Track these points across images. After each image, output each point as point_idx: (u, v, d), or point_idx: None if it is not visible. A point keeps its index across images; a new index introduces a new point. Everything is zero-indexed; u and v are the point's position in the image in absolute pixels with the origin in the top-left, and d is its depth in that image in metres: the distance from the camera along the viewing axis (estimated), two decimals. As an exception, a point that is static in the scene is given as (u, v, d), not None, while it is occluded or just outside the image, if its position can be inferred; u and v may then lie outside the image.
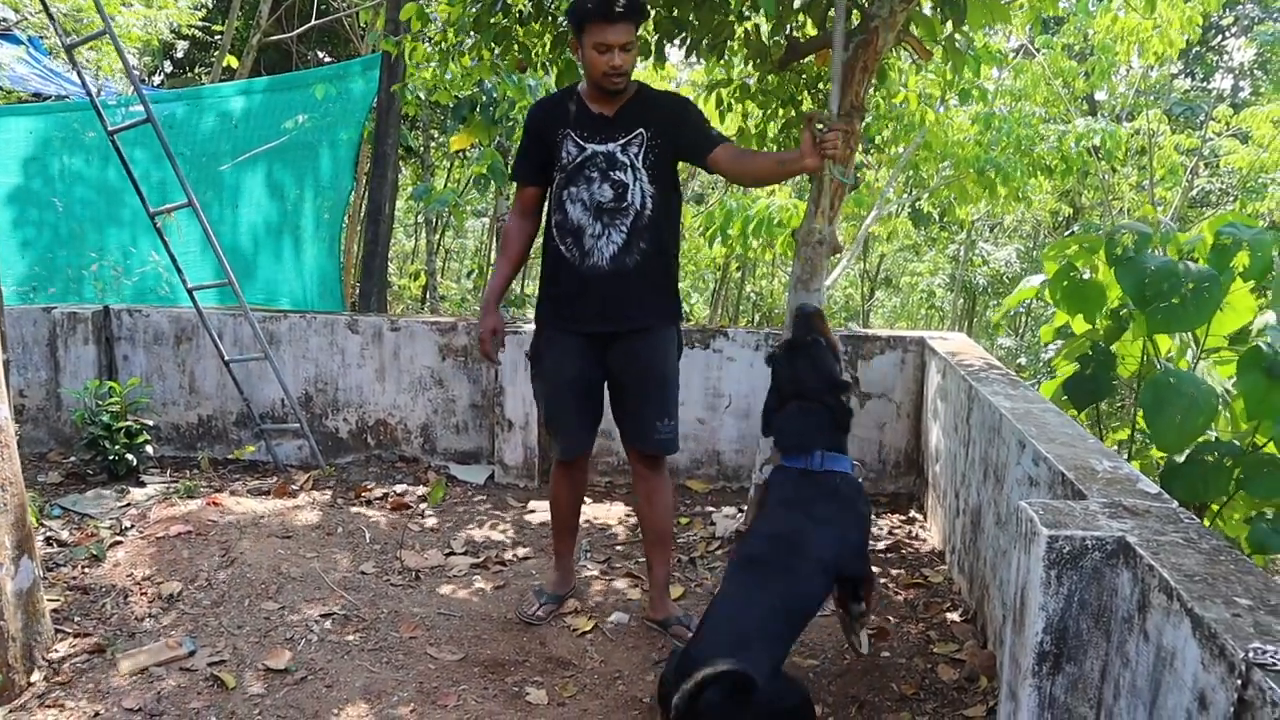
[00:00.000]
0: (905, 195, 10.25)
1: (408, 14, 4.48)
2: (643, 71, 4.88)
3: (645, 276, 3.04)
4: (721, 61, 4.35)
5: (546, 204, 3.13)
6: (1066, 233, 14.34)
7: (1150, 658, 1.82)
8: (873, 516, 4.41)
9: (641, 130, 2.97)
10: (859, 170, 4.02)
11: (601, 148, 2.97)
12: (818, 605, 2.54)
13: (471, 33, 4.21)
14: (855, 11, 3.81)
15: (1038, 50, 9.69)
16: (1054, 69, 9.51)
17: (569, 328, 3.09)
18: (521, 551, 3.93)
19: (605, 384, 3.19)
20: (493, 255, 10.87)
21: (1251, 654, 1.47)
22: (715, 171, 3.06)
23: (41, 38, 10.32)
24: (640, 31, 3.51)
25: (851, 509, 2.64)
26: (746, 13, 3.92)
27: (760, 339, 4.69)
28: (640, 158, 2.98)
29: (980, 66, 6.50)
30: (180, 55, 13.54)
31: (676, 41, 4.01)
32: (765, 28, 4.15)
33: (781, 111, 4.44)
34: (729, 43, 4.09)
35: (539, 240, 3.23)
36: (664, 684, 2.34)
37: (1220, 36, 15.87)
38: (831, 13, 3.87)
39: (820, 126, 2.77)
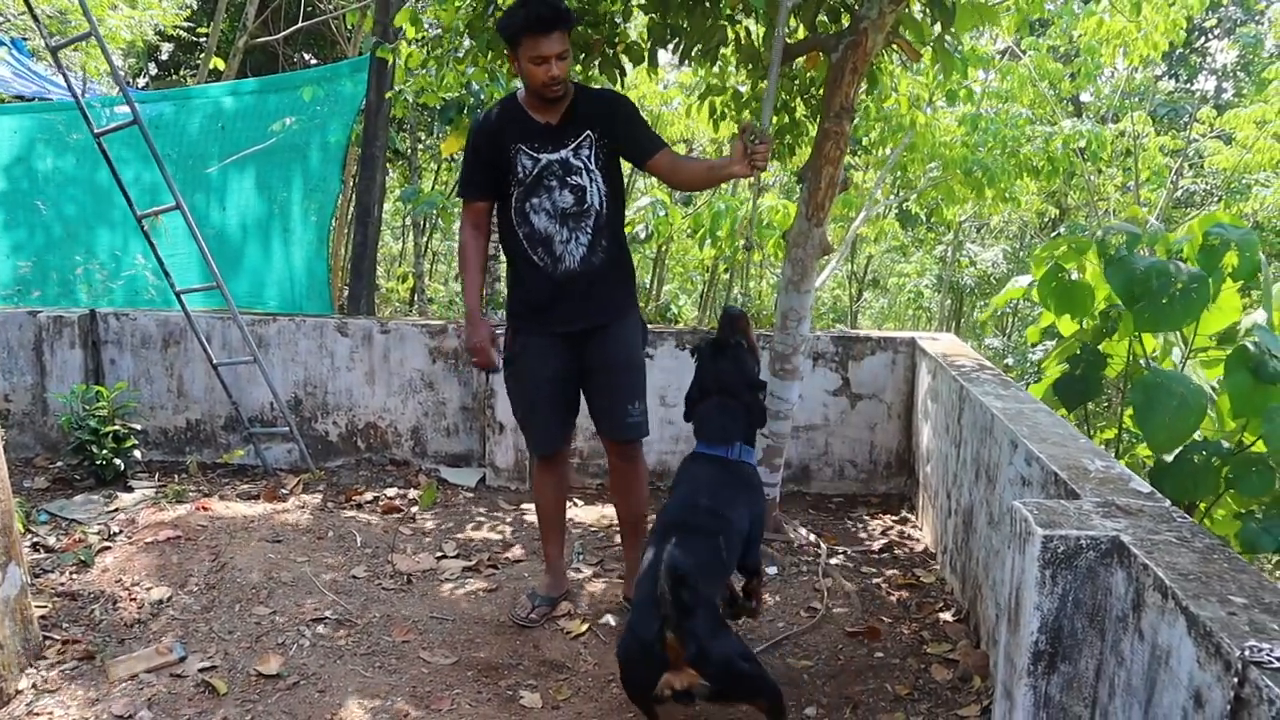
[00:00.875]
0: (892, 196, 10.28)
1: (402, 19, 4.47)
2: (633, 75, 4.88)
3: (611, 272, 3.17)
4: (713, 69, 4.36)
5: (502, 215, 3.18)
6: (1053, 234, 14.41)
7: (1145, 656, 1.83)
8: (865, 519, 4.45)
9: (588, 131, 3.06)
10: (847, 172, 4.03)
11: (555, 155, 3.05)
12: (730, 568, 2.75)
13: (466, 37, 4.20)
14: (845, 14, 3.83)
15: (1023, 52, 9.74)
16: (1040, 71, 9.56)
17: (546, 330, 3.17)
18: (514, 554, 3.92)
19: (579, 379, 3.26)
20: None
21: (1248, 652, 1.48)
22: (652, 174, 3.17)
23: (24, 39, 10.26)
24: (634, 36, 3.50)
25: (757, 496, 2.90)
26: (737, 16, 3.93)
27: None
28: (591, 159, 3.07)
29: (967, 69, 6.53)
30: (165, 57, 13.47)
31: (669, 47, 4.01)
32: (756, 31, 4.15)
33: (775, 119, 4.45)
34: (721, 48, 4.09)
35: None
36: (626, 660, 2.46)
37: (1203, 38, 15.99)
38: (822, 16, 3.89)
39: (752, 139, 2.83)
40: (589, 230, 3.09)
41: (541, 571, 3.56)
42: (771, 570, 3.76)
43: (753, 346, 3.06)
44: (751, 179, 3.15)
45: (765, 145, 2.84)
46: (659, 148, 3.10)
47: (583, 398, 3.31)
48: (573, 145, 3.05)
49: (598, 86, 3.50)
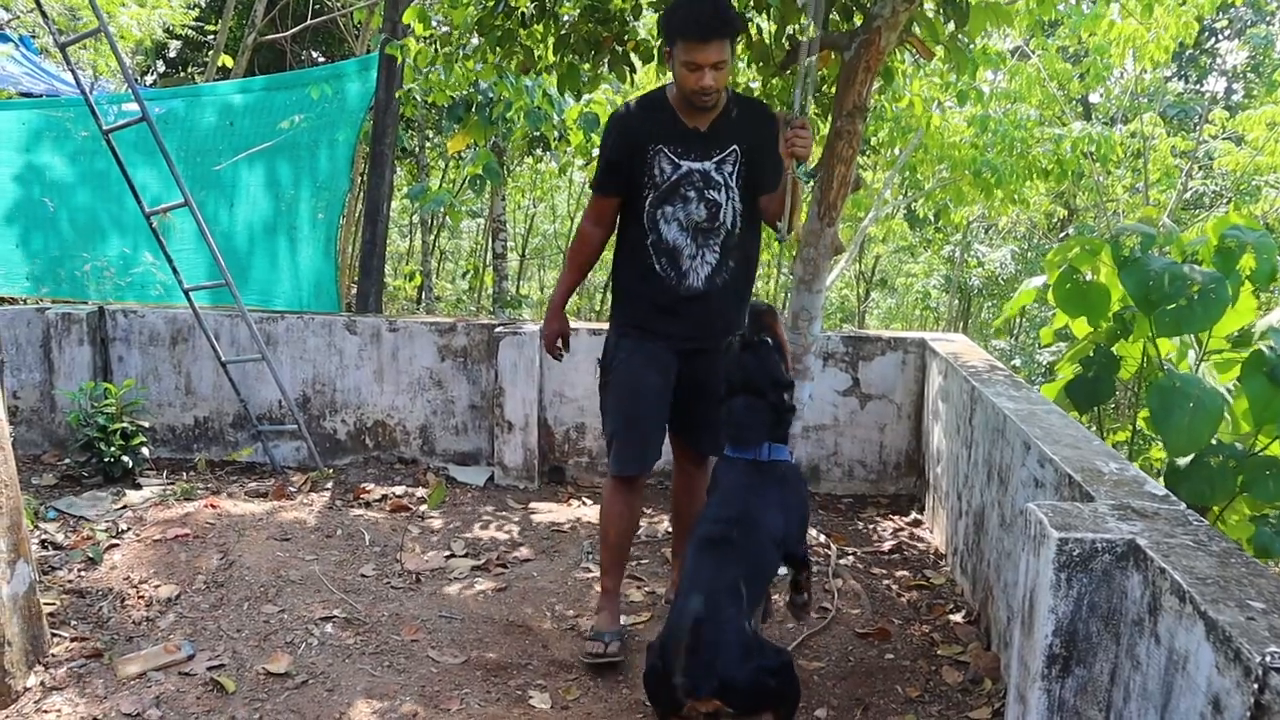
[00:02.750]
0: (901, 197, 10.26)
1: (410, 16, 4.46)
2: (643, 72, 4.86)
3: (733, 293, 3.04)
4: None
5: (627, 216, 3.04)
6: (1061, 235, 14.37)
7: (1162, 661, 1.81)
8: (875, 520, 4.43)
9: (735, 148, 2.92)
10: (859, 172, 4.00)
11: (697, 165, 2.90)
12: (773, 574, 2.74)
13: (475, 35, 4.19)
14: (857, 12, 3.81)
15: (1033, 52, 9.71)
16: (1049, 71, 9.53)
17: (658, 341, 3.03)
18: (523, 553, 3.91)
19: (675, 393, 3.12)
20: (489, 255, 10.84)
21: (1269, 658, 1.46)
22: (757, 210, 3.05)
23: (32, 36, 10.27)
24: (644, 34, 3.44)
25: (795, 493, 2.78)
26: (749, 14, 3.91)
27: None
28: (733, 176, 2.93)
29: (977, 69, 6.50)
30: (173, 55, 13.49)
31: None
32: (768, 29, 4.13)
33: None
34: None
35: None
36: (651, 676, 2.42)
37: (1213, 39, 15.92)
38: (834, 15, 3.87)
39: (788, 125, 2.79)
40: (717, 249, 2.96)
41: (599, 608, 3.21)
42: (781, 570, 3.74)
43: (781, 343, 2.93)
44: (790, 170, 2.95)
45: (801, 129, 2.75)
46: (774, 186, 2.99)
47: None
48: (717, 158, 2.91)
49: (753, 98, 3.36)
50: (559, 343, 3.19)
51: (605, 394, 3.16)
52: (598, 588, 3.57)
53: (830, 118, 4.33)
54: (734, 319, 3.05)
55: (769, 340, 2.86)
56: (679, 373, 3.08)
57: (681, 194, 2.91)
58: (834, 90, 4.13)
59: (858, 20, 3.71)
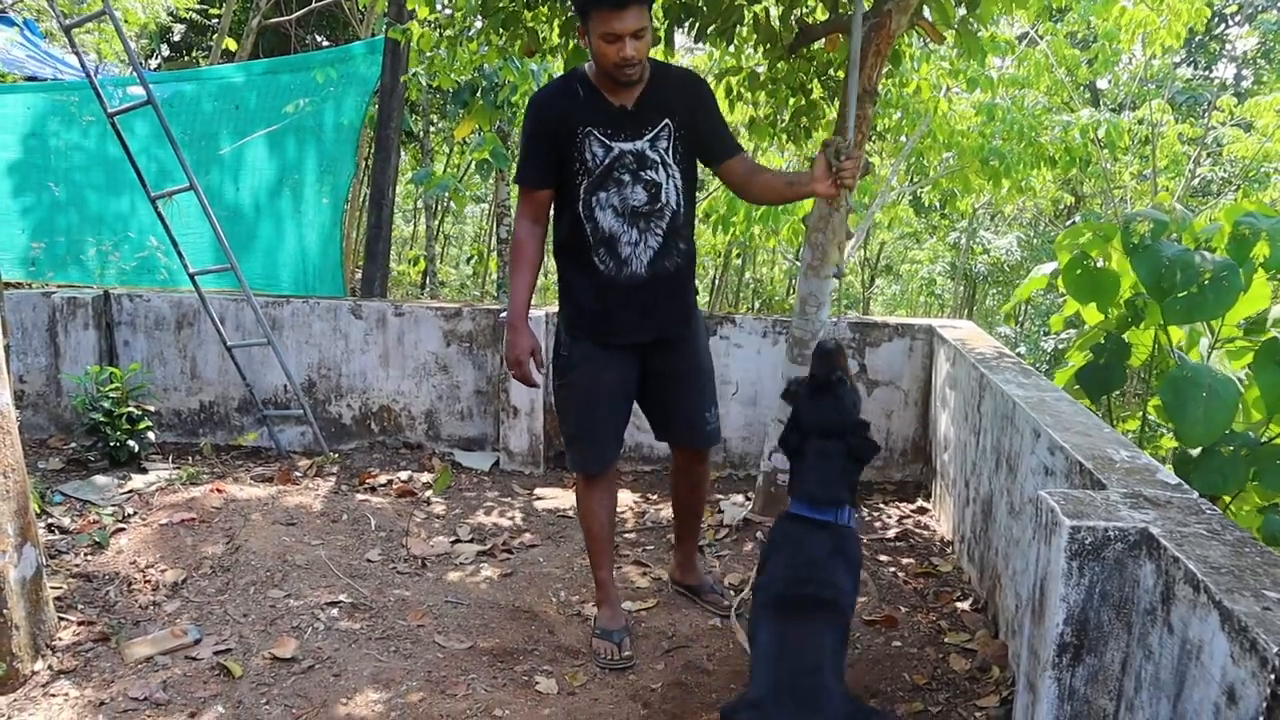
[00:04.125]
0: (907, 183, 10.22)
1: (414, 0, 4.43)
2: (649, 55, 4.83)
3: (681, 277, 2.90)
4: (730, 49, 4.31)
5: (560, 208, 2.88)
6: (1068, 222, 14.30)
7: (1175, 650, 1.80)
8: (881, 506, 4.42)
9: (667, 121, 2.76)
10: (868, 157, 3.97)
11: (629, 146, 2.74)
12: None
13: (479, 17, 4.16)
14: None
15: (1040, 38, 9.64)
16: (1057, 57, 9.46)
17: (607, 341, 2.90)
18: (528, 539, 3.90)
19: (637, 388, 3.03)
20: (493, 240, 10.81)
21: (1286, 649, 1.45)
22: (723, 179, 2.91)
23: (37, 20, 10.23)
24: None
25: (859, 560, 2.59)
26: (757, -4, 3.88)
27: (768, 325, 4.66)
28: (670, 152, 2.77)
29: (985, 56, 6.44)
30: (177, 39, 13.44)
31: (685, 26, 3.96)
32: (775, 12, 4.10)
33: (792, 100, 4.40)
34: (738, 28, 4.04)
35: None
36: None
37: (1223, 25, 15.80)
38: (843, -3, 3.84)
39: (836, 154, 2.61)
40: (660, 233, 2.80)
41: (599, 603, 3.17)
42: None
43: (853, 383, 2.71)
44: (840, 202, 2.88)
45: (853, 161, 2.60)
46: (736, 151, 2.85)
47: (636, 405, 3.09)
48: (650, 135, 2.75)
49: (677, 65, 3.15)
50: (529, 361, 2.90)
51: (561, 396, 3.05)
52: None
53: (836, 102, 4.31)
54: (682, 303, 2.95)
55: (845, 379, 2.63)
56: (643, 371, 2.97)
57: (615, 178, 2.75)
58: (843, 74, 4.11)
59: (868, 3, 3.67)
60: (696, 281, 3.07)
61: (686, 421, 3.06)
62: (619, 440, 3.06)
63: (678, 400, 3.03)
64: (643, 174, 2.75)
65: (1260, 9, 14.65)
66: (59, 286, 5.67)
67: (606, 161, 2.74)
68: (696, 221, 2.98)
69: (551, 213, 2.93)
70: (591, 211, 2.79)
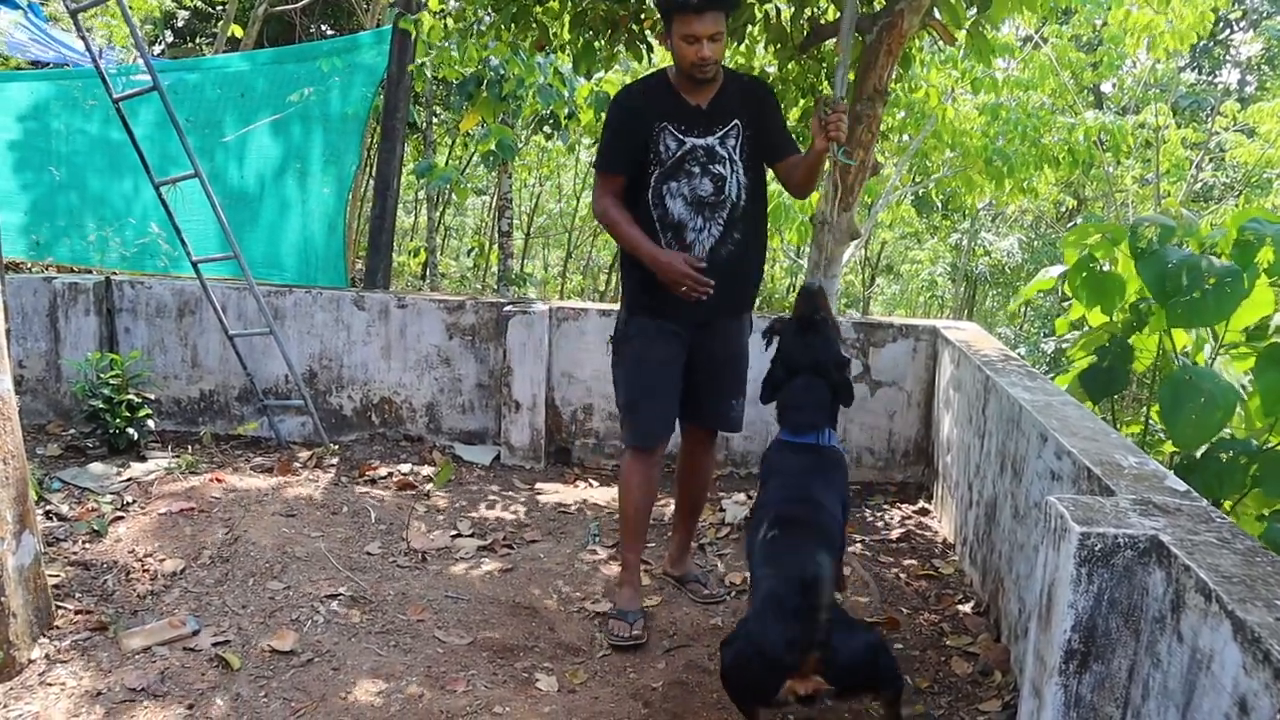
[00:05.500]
0: (911, 183, 10.21)
1: (423, -10, 4.41)
2: (659, 53, 4.81)
3: (739, 266, 3.07)
4: (741, 48, 4.29)
5: (632, 194, 3.05)
6: (1070, 224, 14.30)
7: (1184, 660, 1.79)
8: (884, 507, 4.42)
9: (736, 121, 2.99)
10: (876, 156, 3.96)
11: (701, 141, 2.96)
12: (842, 556, 2.75)
13: (490, 10, 4.14)
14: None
15: (1044, 41, 9.63)
16: (1062, 60, 9.45)
17: (664, 317, 3.08)
18: (529, 534, 3.89)
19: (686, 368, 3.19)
20: (495, 233, 10.79)
21: (1301, 660, 1.44)
22: (779, 176, 3.08)
23: (40, 2, 10.18)
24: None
25: (844, 480, 2.84)
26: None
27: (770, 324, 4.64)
28: (737, 149, 2.99)
29: (992, 58, 6.42)
30: (181, 25, 13.39)
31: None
32: (786, 12, 4.08)
33: (802, 100, 4.39)
34: (749, 28, 4.03)
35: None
36: (738, 664, 2.34)
37: (1228, 30, 15.79)
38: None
39: (826, 108, 2.80)
40: (722, 222, 3.01)
41: (621, 582, 3.27)
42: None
43: (834, 322, 2.95)
44: (831, 155, 2.99)
45: (838, 113, 2.78)
46: (793, 151, 3.05)
47: None
48: (720, 133, 2.98)
49: (744, 74, 3.46)
50: (684, 263, 2.93)
51: (618, 368, 3.22)
52: (603, 570, 3.58)
53: (849, 101, 4.30)
54: (741, 292, 3.16)
55: (827, 318, 2.85)
56: (687, 347, 3.13)
57: (686, 169, 2.97)
58: (854, 74, 4.10)
59: (880, 3, 3.66)
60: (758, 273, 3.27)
61: (714, 404, 3.22)
62: (669, 422, 3.20)
63: (712, 383, 3.19)
64: (711, 167, 2.97)
65: (1266, 15, 14.64)
66: (60, 271, 5.64)
67: (679, 154, 2.96)
68: (766, 217, 3.20)
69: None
70: (661, 199, 3.00)
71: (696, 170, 2.96)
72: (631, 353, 3.15)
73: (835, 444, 2.83)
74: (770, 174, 3.16)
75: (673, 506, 3.64)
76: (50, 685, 2.68)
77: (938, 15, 3.72)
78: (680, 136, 2.96)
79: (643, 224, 3.02)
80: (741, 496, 4.33)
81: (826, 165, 3.36)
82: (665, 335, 3.09)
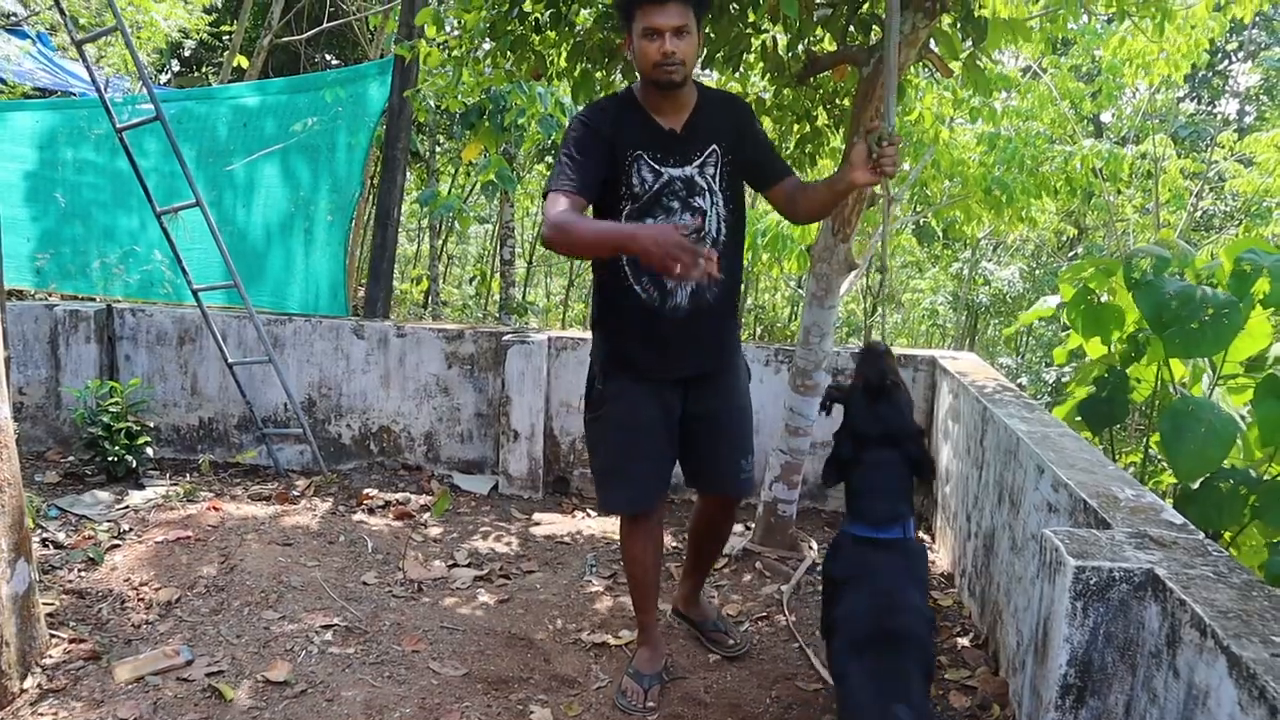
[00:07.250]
0: (911, 213, 10.25)
1: (423, 19, 4.45)
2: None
3: (723, 309, 2.77)
4: (737, 75, 4.32)
5: None
6: (1070, 254, 14.34)
7: (1180, 695, 1.77)
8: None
9: (715, 147, 2.66)
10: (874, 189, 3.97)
11: (679, 172, 2.62)
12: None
13: (487, 39, 4.17)
14: (875, 27, 3.79)
15: (1043, 71, 9.69)
16: (1061, 90, 9.51)
17: (645, 376, 2.75)
18: (526, 565, 3.87)
19: (679, 425, 2.84)
20: (498, 262, 10.84)
21: (1296, 698, 1.43)
22: (772, 202, 2.78)
23: (50, 33, 10.30)
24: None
25: (927, 574, 2.50)
26: (764, 25, 3.89)
27: (770, 354, 4.65)
28: (716, 178, 2.66)
29: (991, 91, 6.48)
30: (188, 54, 13.51)
31: (693, 53, 3.97)
32: (783, 41, 4.11)
33: (797, 127, 4.41)
34: (745, 56, 4.05)
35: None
36: None
37: (1226, 61, 15.90)
38: (851, 28, 3.85)
39: (877, 140, 2.44)
40: None
41: (639, 646, 3.05)
42: (785, 588, 3.71)
43: (905, 387, 2.54)
44: (881, 190, 2.68)
45: (894, 147, 2.43)
46: (786, 174, 2.73)
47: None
48: (698, 161, 2.64)
49: (718, 89, 2.97)
50: (678, 234, 2.23)
51: (593, 429, 2.87)
52: (600, 601, 3.55)
53: (840, 130, 4.32)
54: (726, 337, 2.83)
55: (900, 383, 2.49)
56: (678, 403, 2.80)
57: (664, 205, 2.62)
58: (846, 102, 4.12)
59: (876, 35, 3.69)
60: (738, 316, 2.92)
61: (720, 469, 2.88)
62: (663, 480, 2.86)
63: (714, 446, 2.85)
64: (692, 201, 2.64)
65: (1263, 45, 14.75)
66: (62, 299, 5.66)
67: (656, 187, 2.62)
68: (741, 257, 2.85)
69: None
70: None
71: (676, 205, 2.62)
72: (605, 417, 2.80)
73: (914, 535, 2.43)
74: (752, 192, 2.85)
75: (671, 540, 3.55)
76: (41, 715, 2.66)
77: (934, 47, 3.75)
78: (656, 167, 2.61)
79: (614, 267, 2.65)
80: (739, 528, 4.31)
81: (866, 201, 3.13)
82: (647, 396, 2.75)
